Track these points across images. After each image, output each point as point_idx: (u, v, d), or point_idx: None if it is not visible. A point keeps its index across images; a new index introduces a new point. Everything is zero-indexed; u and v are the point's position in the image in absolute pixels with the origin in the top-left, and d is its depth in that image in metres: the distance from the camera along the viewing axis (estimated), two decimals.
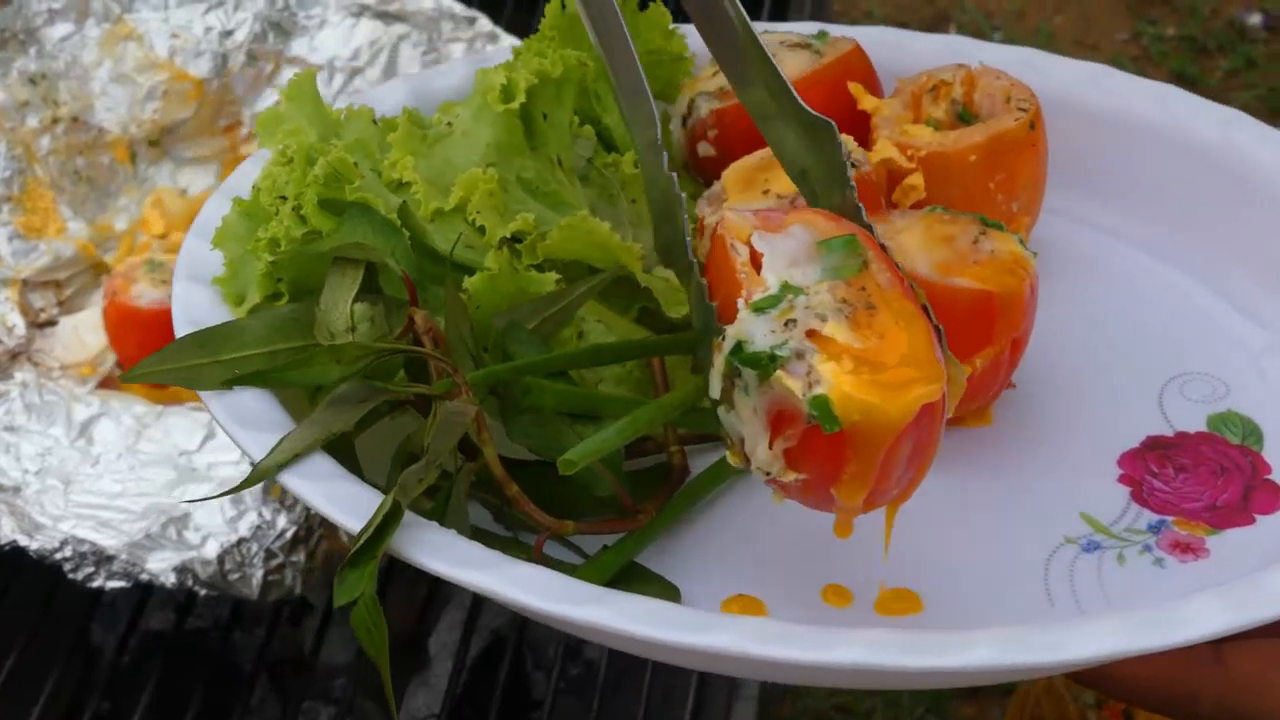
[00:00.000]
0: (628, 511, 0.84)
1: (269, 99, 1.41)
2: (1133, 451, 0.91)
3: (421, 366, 0.83)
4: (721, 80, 1.11)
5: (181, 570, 1.09)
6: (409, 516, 0.75)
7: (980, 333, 0.88)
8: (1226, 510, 0.87)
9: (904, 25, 2.87)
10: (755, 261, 0.80)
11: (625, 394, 0.92)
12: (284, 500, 1.12)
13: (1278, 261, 1.02)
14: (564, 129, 1.01)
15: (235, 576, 1.10)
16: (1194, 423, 0.93)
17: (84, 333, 1.31)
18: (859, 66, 1.11)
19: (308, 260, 0.87)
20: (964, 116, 1.10)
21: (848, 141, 1.01)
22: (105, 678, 1.21)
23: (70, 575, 1.09)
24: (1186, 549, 0.84)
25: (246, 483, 0.78)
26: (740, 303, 0.77)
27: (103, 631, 1.26)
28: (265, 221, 0.92)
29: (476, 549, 0.76)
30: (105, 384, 1.29)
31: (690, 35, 1.16)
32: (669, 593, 0.83)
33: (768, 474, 0.76)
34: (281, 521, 1.11)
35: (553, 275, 0.91)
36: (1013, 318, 0.89)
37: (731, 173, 1.01)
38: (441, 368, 0.81)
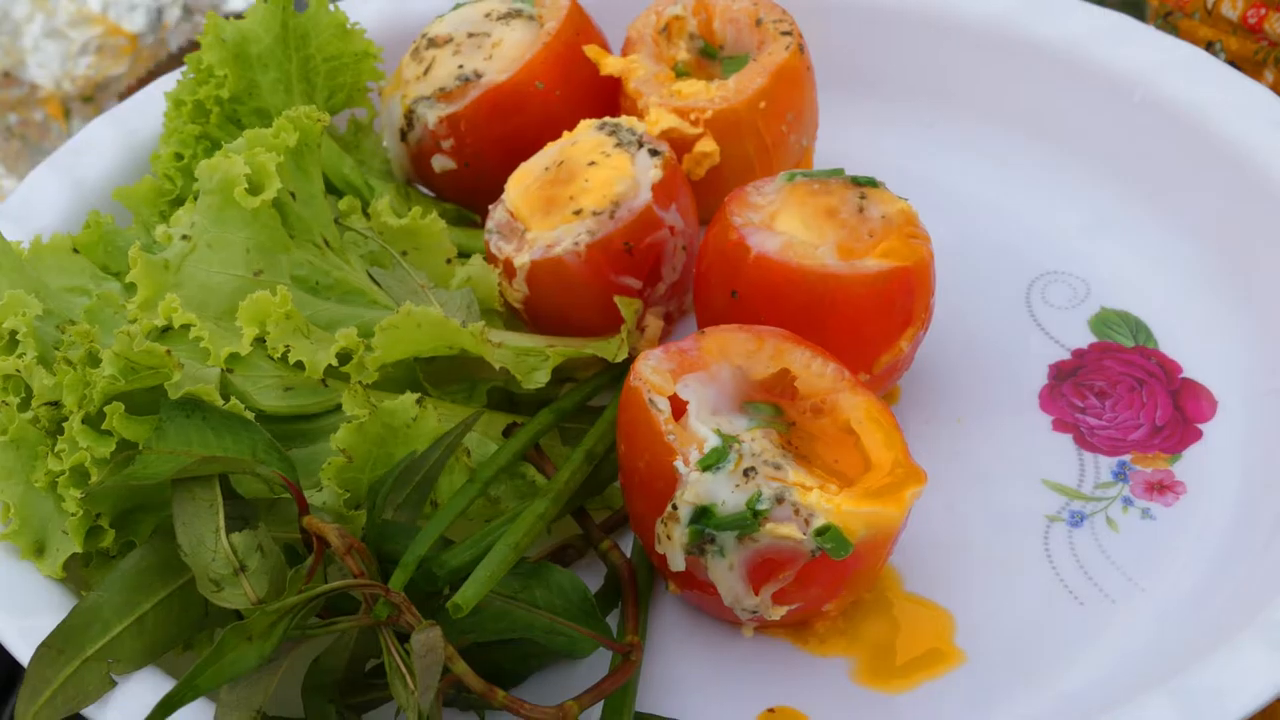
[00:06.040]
0: (618, 654, 0.72)
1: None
2: (1047, 388, 0.86)
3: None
4: (437, 79, 0.94)
5: None
6: None
7: (902, 314, 0.80)
8: (1170, 429, 0.83)
9: None
10: (676, 409, 0.72)
11: (520, 502, 0.78)
12: None
13: (1055, 123, 0.99)
14: (320, 203, 0.83)
15: None
16: (1080, 334, 0.89)
17: None
18: (582, 23, 0.97)
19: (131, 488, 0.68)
20: (708, 51, 0.98)
21: (632, 124, 0.88)
22: None
23: None
24: (1162, 488, 0.81)
25: None
26: (680, 466, 0.70)
27: None
28: (38, 445, 0.72)
29: None
30: None
31: (371, 28, 0.99)
32: None
33: (753, 613, 0.72)
34: None
35: (411, 398, 0.75)
36: (927, 286, 0.81)
37: (519, 194, 0.86)
38: (374, 592, 0.65)
